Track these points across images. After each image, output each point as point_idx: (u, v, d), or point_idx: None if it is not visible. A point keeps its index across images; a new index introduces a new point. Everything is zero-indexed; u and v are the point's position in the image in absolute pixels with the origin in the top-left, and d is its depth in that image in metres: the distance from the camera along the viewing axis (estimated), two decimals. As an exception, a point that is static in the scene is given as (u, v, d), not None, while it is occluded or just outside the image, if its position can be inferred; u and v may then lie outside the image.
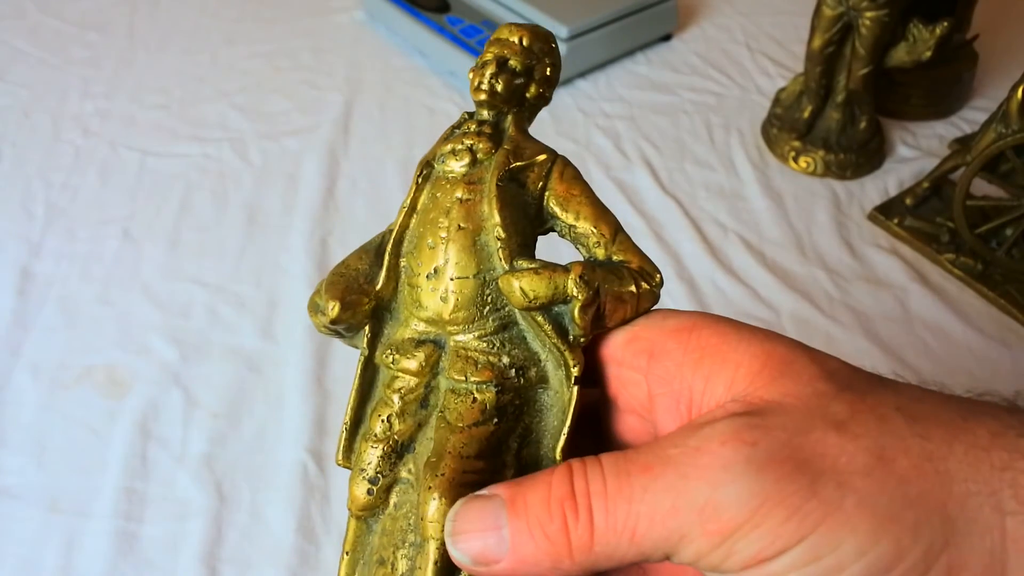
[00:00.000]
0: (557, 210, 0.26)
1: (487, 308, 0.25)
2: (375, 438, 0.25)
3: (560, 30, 0.75)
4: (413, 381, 0.25)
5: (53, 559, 0.44)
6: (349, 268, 0.27)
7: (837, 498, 0.19)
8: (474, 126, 0.26)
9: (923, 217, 0.62)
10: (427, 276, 0.25)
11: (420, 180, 0.26)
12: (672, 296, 0.57)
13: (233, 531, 0.45)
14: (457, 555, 0.22)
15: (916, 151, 0.71)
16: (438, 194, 0.26)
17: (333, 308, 0.25)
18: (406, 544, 0.24)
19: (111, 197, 0.66)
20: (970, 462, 0.19)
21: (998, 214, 0.57)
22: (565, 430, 0.25)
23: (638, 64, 0.81)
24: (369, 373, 0.26)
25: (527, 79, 0.27)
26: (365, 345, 0.26)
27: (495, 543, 0.21)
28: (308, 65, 0.80)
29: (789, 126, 0.70)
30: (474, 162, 0.26)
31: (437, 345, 0.25)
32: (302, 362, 0.53)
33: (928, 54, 0.63)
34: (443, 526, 0.23)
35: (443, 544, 0.23)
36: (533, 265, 0.24)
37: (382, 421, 0.25)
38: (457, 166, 0.26)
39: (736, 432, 0.20)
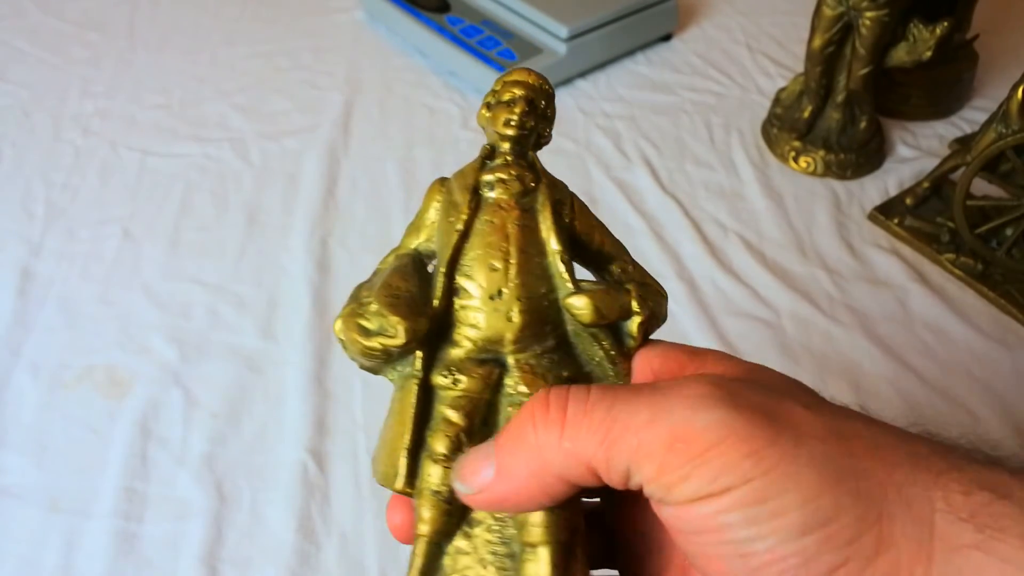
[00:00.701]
0: (584, 238, 0.28)
1: (548, 327, 0.26)
2: (445, 458, 0.25)
3: (560, 30, 0.75)
4: (476, 400, 0.26)
5: (53, 559, 0.44)
6: (400, 289, 0.26)
7: (792, 450, 0.20)
8: (511, 158, 0.28)
9: (923, 217, 0.62)
10: (490, 297, 0.26)
11: (472, 206, 0.27)
12: (672, 296, 0.57)
13: (233, 531, 0.45)
14: (458, 486, 0.24)
15: (916, 151, 0.71)
16: (494, 220, 0.26)
17: (405, 331, 0.25)
18: (498, 556, 0.25)
19: (111, 197, 0.66)
20: (912, 463, 0.21)
21: (998, 214, 0.57)
22: None
23: (638, 64, 0.81)
24: (423, 395, 0.26)
25: (546, 121, 0.29)
26: (419, 367, 0.26)
27: (486, 466, 0.23)
28: (308, 65, 0.80)
29: (789, 126, 0.70)
30: (525, 192, 0.27)
31: (497, 363, 0.26)
32: (302, 362, 0.53)
33: (928, 54, 0.63)
34: (553, 531, 0.24)
35: (557, 546, 0.24)
36: (600, 286, 0.27)
37: (451, 440, 0.25)
38: (509, 194, 0.27)
39: (718, 382, 0.22)
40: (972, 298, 0.58)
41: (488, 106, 0.29)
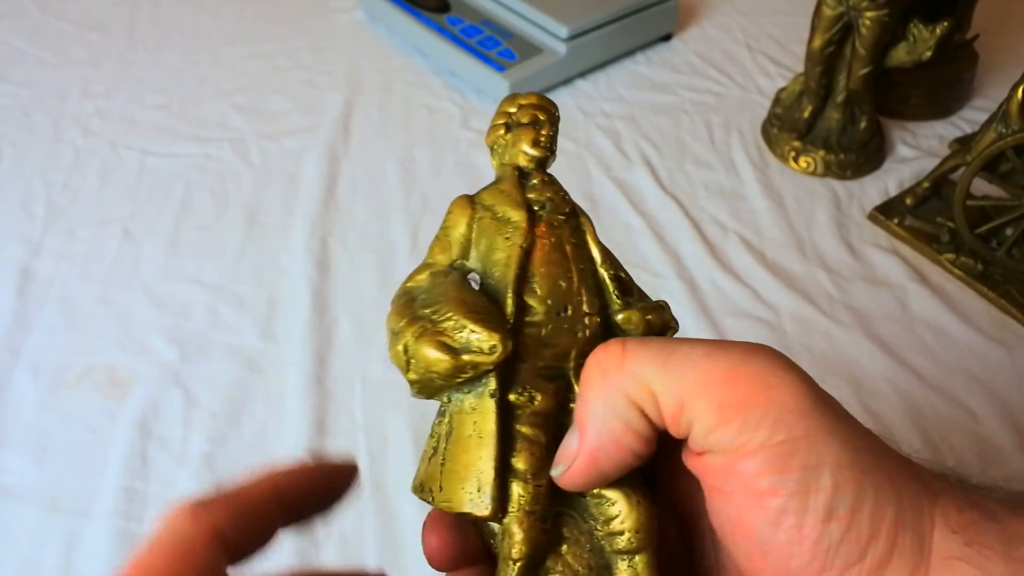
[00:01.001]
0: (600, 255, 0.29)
1: (600, 341, 0.26)
2: (535, 477, 0.24)
3: (560, 30, 0.75)
4: (549, 417, 0.25)
5: (53, 559, 0.44)
6: (478, 304, 0.25)
7: (833, 423, 0.21)
8: (546, 178, 0.28)
9: (923, 217, 0.62)
10: (558, 313, 0.25)
11: (530, 223, 0.26)
12: (672, 296, 0.57)
13: (233, 531, 0.45)
14: (554, 472, 0.24)
15: (916, 151, 0.71)
16: (551, 237, 0.26)
17: (504, 345, 0.24)
18: (593, 569, 0.25)
19: (111, 197, 0.66)
20: (918, 481, 0.22)
21: (998, 214, 0.57)
22: None
23: (638, 64, 0.81)
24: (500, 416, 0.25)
25: (556, 144, 0.29)
26: (496, 387, 0.25)
27: (571, 437, 0.24)
28: (308, 65, 0.80)
29: (789, 126, 0.70)
30: (572, 212, 0.27)
31: (563, 378, 0.26)
32: (302, 362, 0.53)
33: (928, 54, 0.63)
34: (648, 537, 0.24)
35: (652, 552, 0.24)
36: (642, 302, 0.27)
37: (537, 458, 0.24)
38: (560, 213, 0.27)
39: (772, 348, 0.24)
40: (972, 298, 0.58)
41: (507, 127, 0.29)
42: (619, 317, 0.27)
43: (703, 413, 0.22)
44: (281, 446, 0.49)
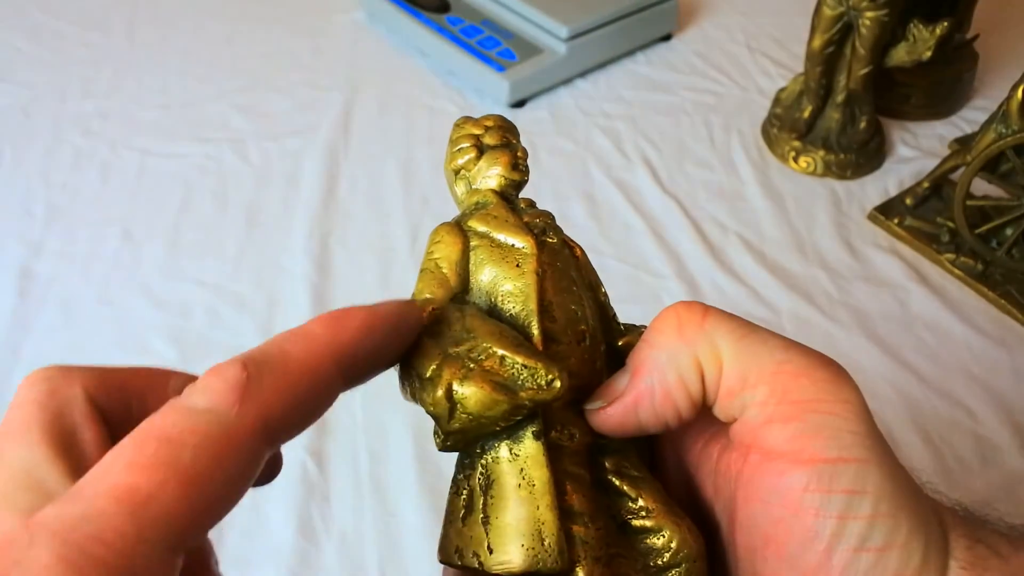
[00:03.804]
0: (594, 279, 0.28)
1: (608, 370, 0.25)
2: (592, 517, 0.22)
3: (560, 30, 0.75)
4: (587, 453, 0.24)
5: (53, 559, 0.43)
6: (517, 337, 0.23)
7: (886, 454, 0.21)
8: (531, 202, 0.27)
9: (923, 217, 0.62)
10: (578, 342, 0.24)
11: (539, 249, 0.25)
12: (672, 296, 0.57)
13: (233, 531, 0.45)
14: (591, 405, 0.24)
15: (916, 151, 0.71)
16: (557, 263, 0.25)
17: (564, 378, 0.21)
18: None
19: (111, 197, 0.66)
20: (937, 518, 0.22)
21: (998, 214, 0.57)
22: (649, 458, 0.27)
23: (638, 64, 0.81)
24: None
25: None
26: (541, 427, 0.22)
27: (622, 377, 0.24)
28: (308, 65, 0.80)
29: (789, 126, 0.70)
30: (561, 237, 0.26)
31: (580, 410, 0.24)
32: (302, 362, 0.53)
33: (928, 54, 0.63)
34: (696, 550, 0.23)
35: (700, 564, 0.23)
36: (640, 327, 0.26)
37: (588, 499, 0.23)
38: (558, 238, 0.26)
39: None
40: (972, 298, 0.58)
41: (479, 150, 0.27)
42: (620, 343, 0.26)
43: (765, 400, 0.21)
44: (281, 446, 0.48)
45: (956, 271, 0.59)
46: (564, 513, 0.22)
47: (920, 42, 0.63)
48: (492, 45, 0.76)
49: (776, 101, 0.72)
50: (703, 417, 0.24)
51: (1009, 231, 0.57)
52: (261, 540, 0.45)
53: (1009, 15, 0.86)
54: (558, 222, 0.26)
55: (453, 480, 0.24)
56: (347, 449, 0.48)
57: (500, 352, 0.22)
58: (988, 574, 0.21)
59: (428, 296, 0.24)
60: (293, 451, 0.48)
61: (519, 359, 0.21)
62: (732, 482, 0.23)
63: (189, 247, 0.61)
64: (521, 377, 0.21)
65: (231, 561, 0.44)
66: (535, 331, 0.23)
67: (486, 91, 0.75)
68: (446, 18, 0.80)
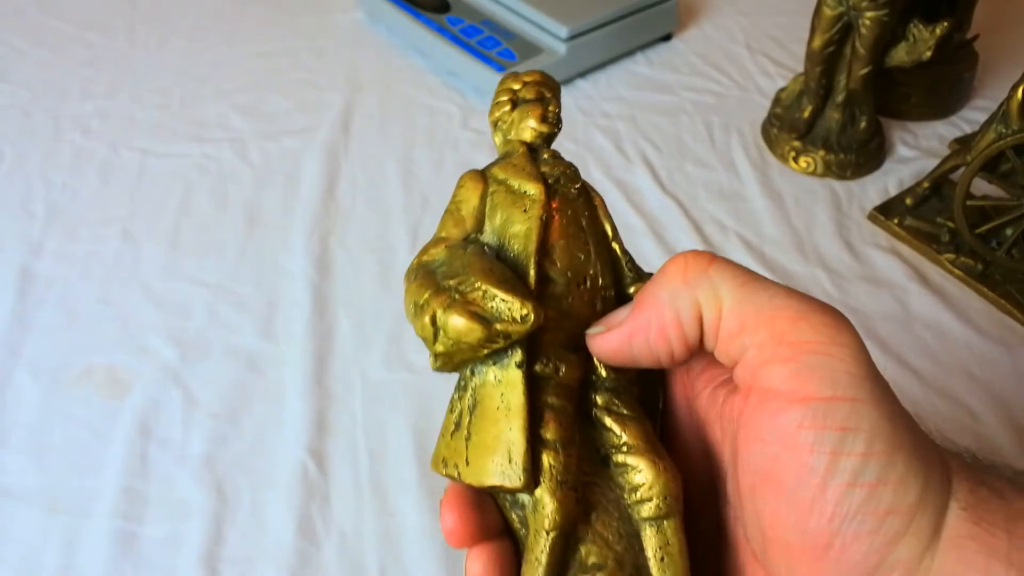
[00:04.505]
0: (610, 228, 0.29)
1: None
2: (564, 446, 0.24)
3: (560, 30, 0.75)
4: (574, 388, 0.25)
5: (53, 559, 0.44)
6: (506, 273, 0.25)
7: (884, 395, 0.22)
8: (555, 153, 0.28)
9: (923, 217, 0.62)
10: (578, 285, 0.26)
11: (548, 196, 0.27)
12: (672, 296, 0.57)
13: (233, 531, 0.45)
14: (591, 330, 0.25)
15: (916, 151, 0.71)
16: (568, 210, 0.27)
17: (536, 313, 0.23)
18: (624, 537, 0.24)
19: (111, 197, 0.66)
20: (941, 462, 0.22)
21: (998, 214, 0.57)
22: (660, 404, 0.28)
23: (638, 64, 0.81)
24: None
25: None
26: (523, 357, 0.24)
27: (624, 309, 0.25)
28: (308, 65, 0.80)
29: (789, 126, 0.70)
30: (583, 187, 0.28)
31: (583, 350, 0.26)
32: (302, 362, 0.53)
33: (928, 54, 0.63)
34: (676, 503, 0.24)
35: (680, 517, 0.24)
36: (650, 273, 0.27)
37: (565, 428, 0.24)
38: (574, 188, 0.27)
39: None
40: (972, 298, 0.58)
41: (513, 104, 0.29)
42: (631, 290, 0.27)
43: (763, 342, 0.22)
44: (281, 446, 0.49)
45: (956, 271, 0.59)
46: (538, 439, 0.24)
47: (920, 42, 0.63)
48: (492, 45, 0.76)
49: (776, 101, 0.72)
50: (712, 364, 0.25)
51: (1009, 231, 0.57)
52: (261, 540, 0.45)
53: (1009, 15, 0.86)
54: None
55: (450, 399, 0.26)
56: (347, 449, 0.48)
57: (484, 287, 0.24)
58: (989, 516, 0.21)
59: (443, 235, 0.27)
60: (293, 451, 0.48)
61: (499, 293, 0.23)
62: (735, 423, 0.24)
63: (189, 247, 0.61)
64: (499, 310, 0.23)
65: (231, 561, 0.44)
66: (531, 271, 0.25)
67: (486, 91, 0.75)
68: (446, 18, 0.80)
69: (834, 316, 0.23)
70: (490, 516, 0.25)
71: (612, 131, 0.73)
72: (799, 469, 0.21)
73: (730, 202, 0.66)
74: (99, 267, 0.59)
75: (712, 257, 0.24)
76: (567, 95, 0.77)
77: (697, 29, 0.86)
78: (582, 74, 0.79)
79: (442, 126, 0.73)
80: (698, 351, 0.25)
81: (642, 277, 0.28)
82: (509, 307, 0.23)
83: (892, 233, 0.63)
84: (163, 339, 0.54)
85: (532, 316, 0.23)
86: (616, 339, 0.25)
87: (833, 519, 0.21)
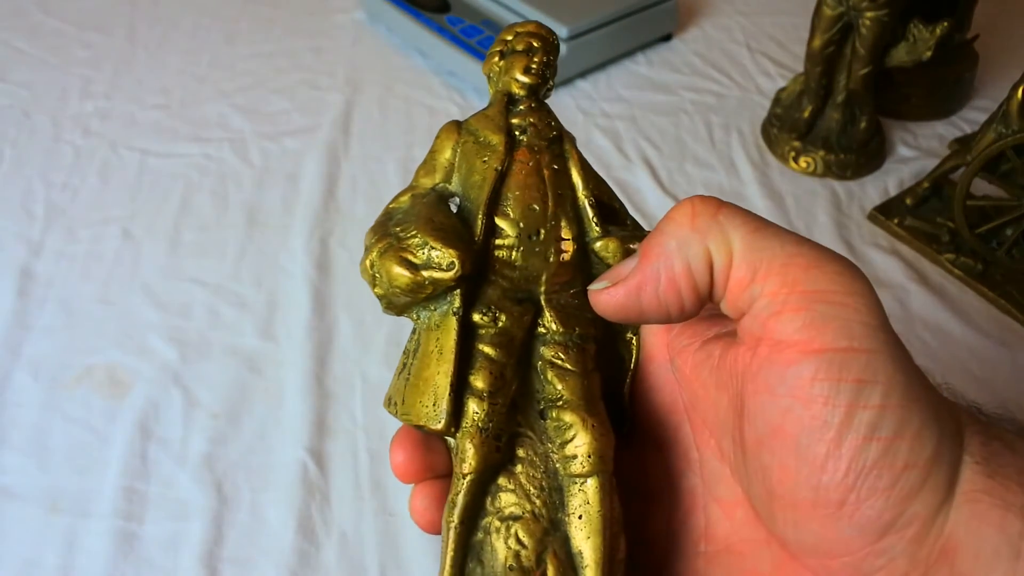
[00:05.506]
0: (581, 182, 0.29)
1: (577, 269, 0.27)
2: (491, 395, 0.24)
3: (560, 30, 0.75)
4: (514, 338, 0.25)
5: (53, 559, 0.44)
6: (445, 224, 0.25)
7: (896, 346, 0.21)
8: (534, 104, 0.28)
9: (923, 217, 0.62)
10: (529, 237, 0.26)
11: (508, 147, 0.27)
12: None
13: (233, 531, 0.45)
14: (595, 285, 0.25)
15: (916, 151, 0.71)
16: (529, 162, 0.27)
17: (461, 262, 0.24)
18: (544, 491, 0.25)
19: (111, 197, 0.66)
20: (952, 415, 0.22)
21: (998, 214, 0.57)
22: (632, 366, 0.28)
23: (638, 64, 0.81)
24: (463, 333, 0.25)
25: (553, 72, 0.29)
26: (459, 305, 0.25)
27: (630, 261, 0.24)
28: (308, 65, 0.80)
29: (789, 126, 0.69)
30: (557, 138, 0.28)
31: (532, 302, 0.26)
32: (302, 362, 0.53)
33: (928, 54, 0.63)
34: (601, 462, 0.24)
35: (606, 476, 0.24)
36: (625, 231, 0.27)
37: (495, 377, 0.25)
38: (541, 138, 0.27)
39: None
40: (972, 298, 0.58)
41: (501, 54, 0.29)
42: (596, 245, 0.27)
43: (775, 291, 0.21)
44: (281, 446, 0.49)
45: (956, 271, 0.59)
46: (466, 386, 0.24)
47: (920, 42, 0.63)
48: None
49: (776, 101, 0.72)
50: (700, 320, 0.24)
51: (1009, 231, 0.57)
52: (261, 540, 0.45)
53: (1009, 15, 0.86)
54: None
55: (405, 343, 0.27)
56: (347, 449, 0.48)
57: (420, 235, 0.24)
58: (1003, 469, 0.21)
59: (414, 184, 0.28)
60: (293, 451, 0.48)
61: (429, 241, 0.24)
62: (739, 377, 0.23)
63: (189, 247, 0.61)
64: (430, 258, 0.24)
65: (231, 561, 0.44)
66: (479, 220, 0.26)
67: (486, 91, 0.75)
68: (446, 18, 0.80)
69: (848, 265, 0.22)
70: (437, 456, 0.26)
71: (612, 131, 0.73)
72: (812, 422, 0.20)
73: (730, 202, 0.66)
74: (99, 267, 0.59)
75: (719, 203, 0.23)
76: (567, 95, 0.77)
77: (697, 29, 0.86)
78: (582, 74, 0.79)
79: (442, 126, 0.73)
80: (708, 302, 0.24)
81: (611, 233, 0.27)
82: (437, 255, 0.24)
83: (892, 233, 0.63)
84: (163, 339, 0.54)
85: (457, 265, 0.24)
86: (623, 293, 0.24)
87: (848, 474, 0.20)
